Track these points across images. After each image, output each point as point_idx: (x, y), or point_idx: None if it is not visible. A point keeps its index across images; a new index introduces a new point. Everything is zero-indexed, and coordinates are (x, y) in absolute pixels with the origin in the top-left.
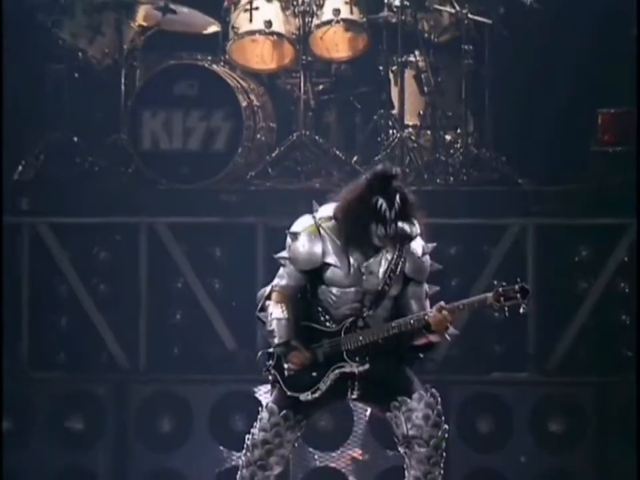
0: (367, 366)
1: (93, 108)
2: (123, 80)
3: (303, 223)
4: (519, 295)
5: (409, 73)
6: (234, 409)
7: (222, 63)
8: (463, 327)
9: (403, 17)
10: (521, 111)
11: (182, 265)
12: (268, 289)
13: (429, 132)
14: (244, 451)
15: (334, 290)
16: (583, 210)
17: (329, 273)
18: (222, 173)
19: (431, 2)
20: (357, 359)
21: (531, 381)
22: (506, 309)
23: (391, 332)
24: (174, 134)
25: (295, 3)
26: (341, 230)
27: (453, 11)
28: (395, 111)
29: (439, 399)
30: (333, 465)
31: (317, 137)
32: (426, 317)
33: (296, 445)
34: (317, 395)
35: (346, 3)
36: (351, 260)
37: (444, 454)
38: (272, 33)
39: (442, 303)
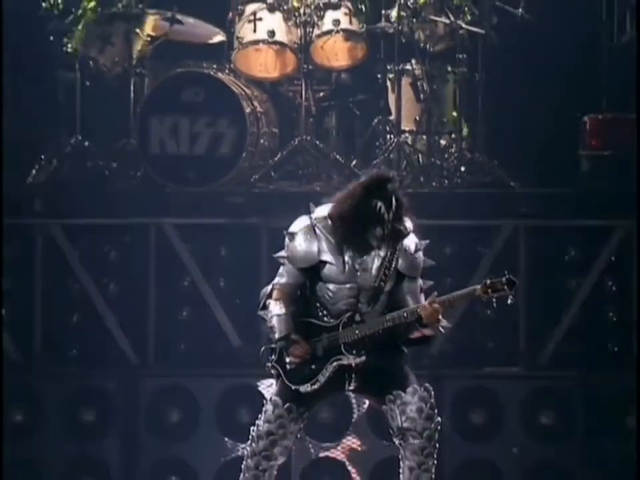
0: (363, 358)
1: (103, 114)
2: (132, 87)
3: (299, 223)
4: (506, 287)
5: (405, 81)
6: (238, 402)
7: (227, 71)
8: (456, 323)
9: (400, 27)
10: (512, 117)
11: (188, 264)
12: (270, 287)
13: (424, 137)
14: (249, 442)
15: (330, 286)
16: (571, 212)
17: (326, 270)
18: (227, 177)
19: (427, 13)
20: (354, 351)
21: (521, 375)
22: (494, 300)
23: (386, 325)
24: (181, 139)
25: (296, 13)
26: (336, 230)
27: (447, 21)
28: (392, 117)
29: (432, 392)
30: (332, 455)
31: (317, 142)
32: (418, 310)
33: (298, 436)
34: (316, 386)
35: (345, 14)
36: (346, 257)
37: (437, 445)
38: (275, 43)
39: (435, 293)
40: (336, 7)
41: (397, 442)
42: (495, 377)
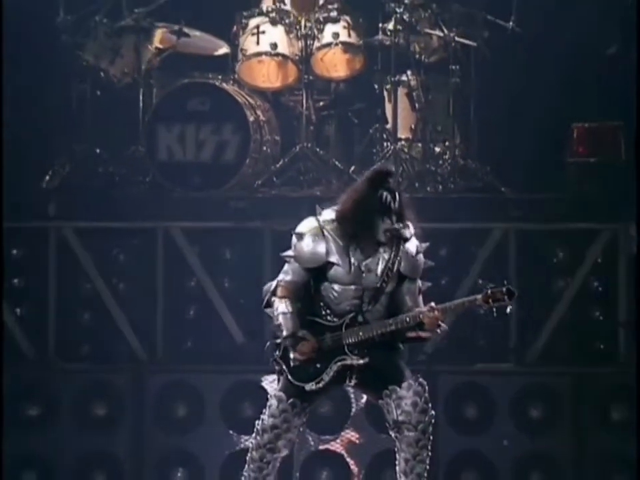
0: (366, 359)
1: (113, 122)
2: (141, 97)
3: (307, 225)
4: (505, 297)
5: (401, 91)
6: (242, 397)
7: (231, 82)
8: (450, 322)
9: (396, 40)
10: (503, 125)
11: (195, 265)
12: (273, 283)
13: (419, 144)
14: (254, 435)
15: (336, 287)
16: (559, 216)
17: (332, 271)
18: (231, 182)
19: (422, 26)
20: (357, 352)
21: (512, 371)
22: (494, 309)
23: (388, 329)
24: (187, 146)
25: (298, 27)
26: (344, 230)
27: (441, 34)
28: (388, 126)
29: (427, 387)
30: (332, 447)
31: (317, 149)
32: (420, 316)
33: (301, 429)
34: (320, 385)
35: (344, 27)
36: (352, 259)
37: (431, 437)
38: (277, 55)
39: (432, 303)
40: (335, 20)
41: (392, 434)
42: (486, 372)
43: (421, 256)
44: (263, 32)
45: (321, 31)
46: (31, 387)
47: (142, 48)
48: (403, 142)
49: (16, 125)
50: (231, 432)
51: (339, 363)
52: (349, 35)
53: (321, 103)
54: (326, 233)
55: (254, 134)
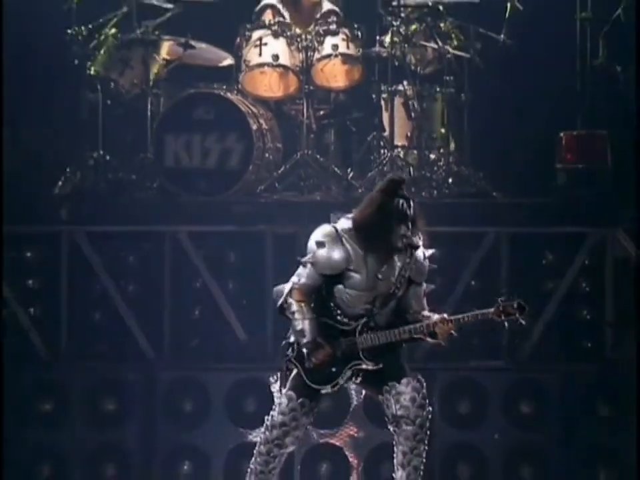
0: (379, 365)
1: (123, 131)
2: (149, 107)
3: (327, 233)
4: (517, 312)
5: (398, 100)
6: (245, 393)
7: (235, 92)
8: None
9: (393, 52)
10: (495, 133)
11: (200, 267)
12: (288, 286)
13: (415, 151)
14: (263, 430)
15: (350, 291)
16: (549, 220)
17: (349, 277)
18: (235, 188)
19: (417, 39)
20: (370, 356)
21: (504, 369)
22: (505, 322)
23: (402, 336)
24: (193, 153)
25: (298, 39)
26: (361, 239)
27: (436, 46)
28: (385, 134)
29: (424, 384)
30: (331, 441)
31: (317, 156)
32: (433, 326)
33: (309, 427)
34: (336, 389)
35: (343, 39)
36: (369, 267)
37: (428, 432)
38: (279, 66)
39: (445, 315)
40: (335, 33)
41: (391, 428)
42: (479, 370)
43: (427, 261)
44: (265, 44)
45: (321, 43)
46: (44, 383)
47: (150, 60)
48: (399, 149)
49: (30, 134)
50: (234, 426)
51: (354, 368)
52: (348, 47)
53: (321, 112)
54: (345, 241)
55: (257, 142)
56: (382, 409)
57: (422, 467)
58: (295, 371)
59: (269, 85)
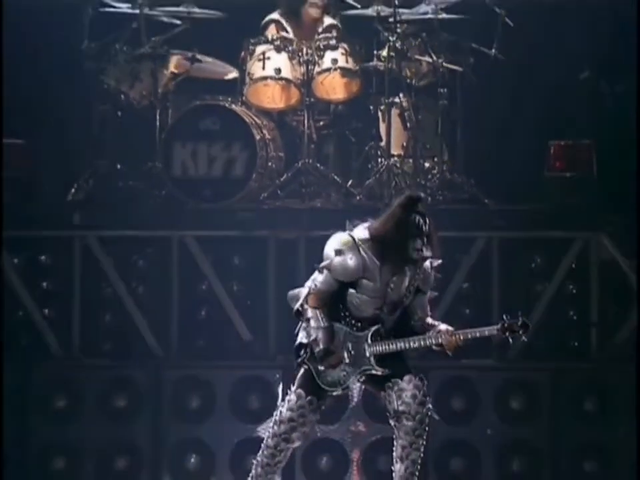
0: (387, 371)
1: (133, 141)
2: (157, 117)
3: (345, 241)
4: (521, 330)
5: (394, 112)
6: (249, 390)
7: (239, 103)
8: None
9: (390, 66)
10: (487, 143)
11: (206, 270)
12: (304, 290)
13: (410, 160)
14: (271, 424)
15: (361, 296)
16: (538, 225)
17: (362, 284)
18: (239, 195)
19: (413, 53)
20: (381, 362)
21: (495, 367)
22: (510, 339)
23: (411, 346)
24: (200, 162)
25: (300, 53)
26: (379, 250)
27: (430, 60)
28: (382, 143)
29: (425, 382)
30: (332, 436)
31: (318, 165)
32: (441, 340)
33: (316, 424)
34: (346, 391)
35: (342, 54)
36: (382, 276)
37: (427, 428)
38: (281, 79)
39: (451, 328)
40: (334, 47)
41: (392, 423)
42: (472, 368)
43: (432, 271)
44: (269, 58)
45: (321, 57)
46: (58, 381)
47: (159, 73)
48: (395, 158)
49: (45, 144)
50: (239, 422)
51: (366, 373)
52: (347, 61)
53: (321, 123)
54: (362, 250)
55: (260, 151)
56: (382, 405)
57: (419, 461)
58: (302, 370)
59: (272, 97)
